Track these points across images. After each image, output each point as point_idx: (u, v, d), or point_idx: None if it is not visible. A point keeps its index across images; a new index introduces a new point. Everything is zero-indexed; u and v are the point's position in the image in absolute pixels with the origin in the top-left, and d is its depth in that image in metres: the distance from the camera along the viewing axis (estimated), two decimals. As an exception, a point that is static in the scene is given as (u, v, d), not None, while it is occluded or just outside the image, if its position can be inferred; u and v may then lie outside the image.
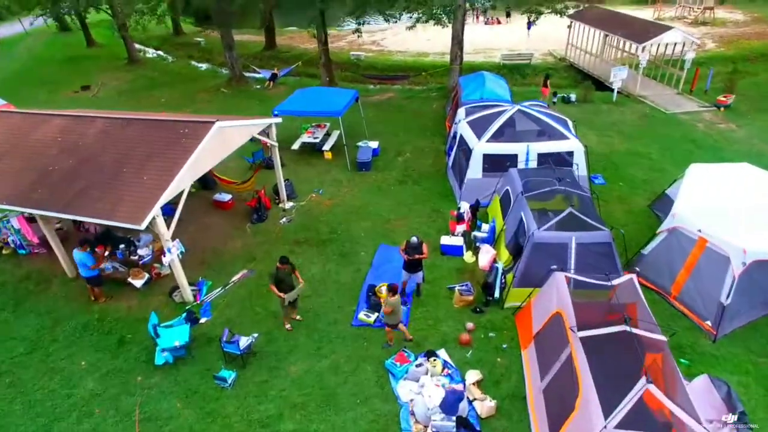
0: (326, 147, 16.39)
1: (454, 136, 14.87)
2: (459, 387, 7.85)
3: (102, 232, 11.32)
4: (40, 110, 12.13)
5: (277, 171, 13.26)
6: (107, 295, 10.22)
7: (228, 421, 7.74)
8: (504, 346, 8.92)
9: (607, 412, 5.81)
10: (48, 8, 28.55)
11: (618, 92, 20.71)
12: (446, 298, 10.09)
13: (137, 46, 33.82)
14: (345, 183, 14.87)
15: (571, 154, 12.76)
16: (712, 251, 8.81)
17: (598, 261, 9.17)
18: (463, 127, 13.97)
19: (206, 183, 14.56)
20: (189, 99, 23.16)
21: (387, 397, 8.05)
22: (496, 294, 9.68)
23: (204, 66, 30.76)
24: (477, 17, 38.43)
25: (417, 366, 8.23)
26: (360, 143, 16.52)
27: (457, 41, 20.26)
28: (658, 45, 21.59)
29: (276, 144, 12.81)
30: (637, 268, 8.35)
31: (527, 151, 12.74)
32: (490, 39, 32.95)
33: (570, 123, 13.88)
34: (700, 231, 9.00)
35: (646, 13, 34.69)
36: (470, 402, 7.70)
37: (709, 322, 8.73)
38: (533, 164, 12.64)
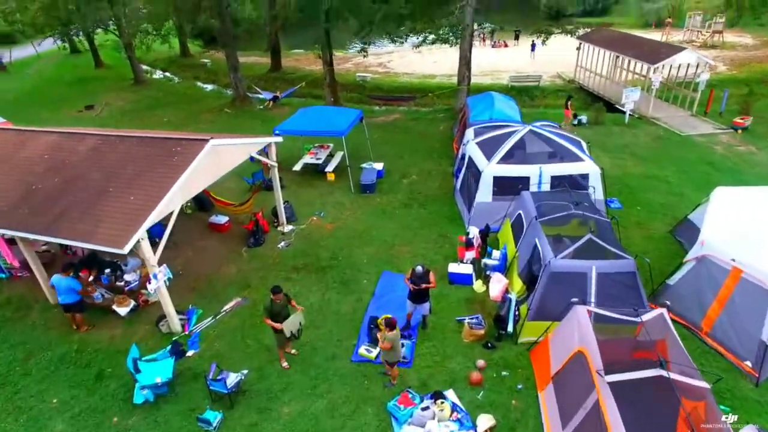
0: (329, 168, 15.82)
1: (462, 158, 14.27)
2: (470, 435, 7.00)
3: (88, 256, 10.68)
4: (31, 127, 11.67)
5: (276, 192, 12.65)
6: (89, 324, 9.51)
7: (210, 470, 6.91)
8: (519, 386, 8.07)
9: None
10: (58, 29, 28.83)
11: (630, 114, 20.14)
12: (454, 332, 9.27)
13: (144, 67, 34.10)
14: (348, 206, 14.23)
15: (586, 176, 12.08)
16: (749, 283, 8.00)
17: (621, 292, 8.39)
18: (471, 148, 13.37)
19: (203, 204, 14.01)
20: (192, 119, 22.85)
21: (389, 444, 7.21)
22: (509, 328, 8.86)
23: (209, 87, 30.74)
24: (483, 40, 38.44)
25: (423, 409, 7.39)
26: (364, 165, 15.96)
27: (465, 62, 19.88)
28: (671, 66, 21.13)
29: (275, 164, 12.23)
30: (667, 302, 7.57)
31: (540, 174, 12.06)
32: (497, 61, 32.83)
33: (584, 144, 13.25)
34: (734, 260, 8.21)
35: (653, 38, 34.45)
36: (483, 453, 6.84)
37: (749, 363, 7.85)
38: (546, 187, 11.96)
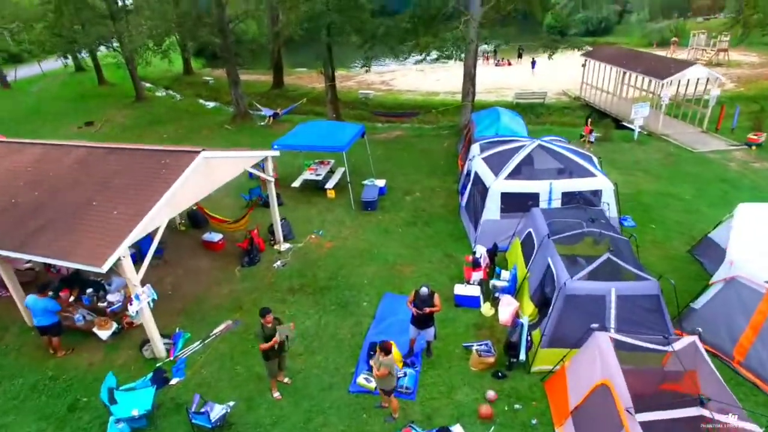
0: (329, 185, 15.26)
1: (468, 174, 13.70)
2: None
3: (70, 274, 10.06)
4: (17, 139, 11.19)
5: (272, 209, 12.07)
6: (67, 348, 8.83)
7: None
8: (533, 421, 7.31)
9: None
10: (62, 47, 28.85)
11: (639, 130, 19.61)
12: (462, 359, 8.54)
13: (147, 85, 34.06)
14: (348, 224, 13.62)
15: (598, 193, 11.46)
16: (786, 308, 7.29)
17: (643, 317, 7.69)
18: (477, 164, 12.80)
19: (197, 221, 13.45)
20: (191, 135, 22.49)
21: (389, 489, 6.44)
22: (522, 356, 8.12)
23: (211, 104, 30.54)
24: (487, 59, 38.39)
25: (427, 448, 6.64)
26: (365, 181, 15.40)
27: (470, 77, 19.50)
28: (679, 82, 20.69)
29: (272, 179, 11.68)
30: (699, 329, 6.85)
31: (550, 190, 11.44)
32: (501, 79, 32.66)
33: (595, 160, 12.67)
34: None
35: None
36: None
37: (790, 398, 7.09)
38: (556, 204, 11.34)
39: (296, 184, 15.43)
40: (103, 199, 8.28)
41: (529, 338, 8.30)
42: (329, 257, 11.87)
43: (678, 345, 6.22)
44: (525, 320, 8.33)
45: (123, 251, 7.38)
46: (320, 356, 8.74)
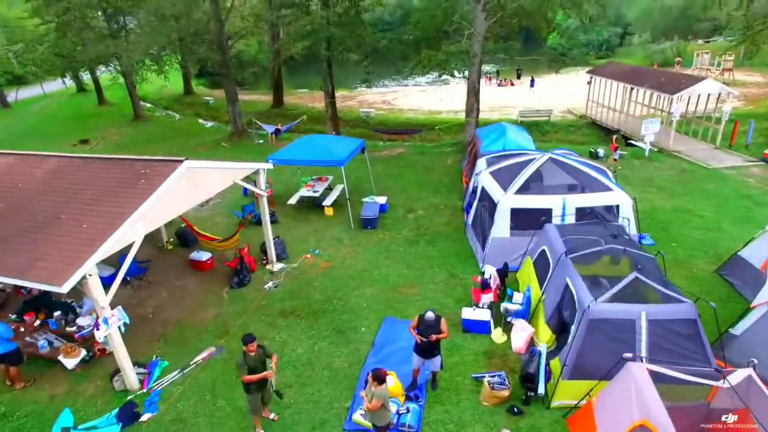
0: (327, 202, 14.47)
1: (474, 191, 12.92)
2: None
3: (38, 295, 9.18)
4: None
5: (264, 226, 11.25)
6: (27, 379, 7.89)
7: None
8: (557, 467, 6.30)
9: None
10: (62, 67, 28.69)
11: (650, 147, 18.89)
12: (472, 393, 7.56)
13: (147, 105, 33.83)
14: (346, 242, 12.77)
15: (615, 208, 10.63)
16: None
17: (678, 344, 6.76)
18: (485, 179, 12.02)
19: (186, 240, 12.64)
20: (186, 152, 21.74)
21: None
22: (540, 389, 7.15)
23: (210, 124, 30.11)
24: (489, 80, 38.19)
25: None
26: (366, 199, 14.62)
27: (474, 93, 18.91)
28: (689, 98, 20.09)
29: (264, 193, 10.89)
30: (754, 360, 5.91)
31: (563, 205, 10.63)
32: (504, 98, 32.39)
33: (610, 173, 11.89)
34: (821, 306, 6.59)
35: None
36: None
37: None
38: (570, 220, 10.51)
39: (292, 201, 14.65)
40: (73, 212, 7.49)
41: (547, 368, 7.35)
42: (325, 278, 10.99)
43: (733, 379, 5.27)
44: (543, 348, 7.39)
45: (89, 269, 6.53)
46: (312, 388, 7.77)
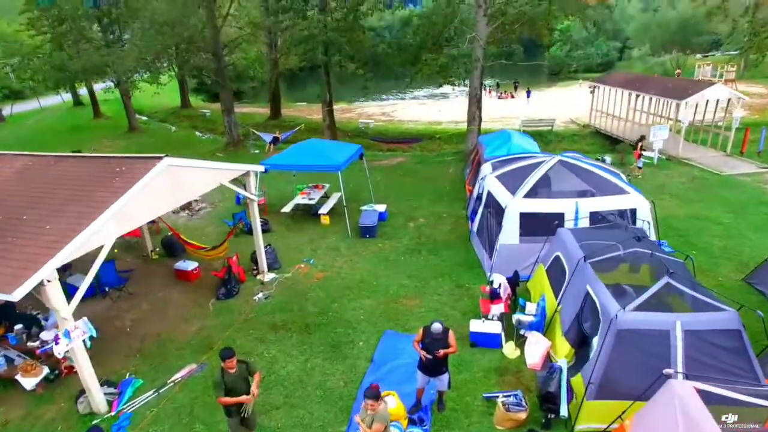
0: (323, 210, 13.71)
1: (479, 198, 12.18)
2: None
3: (1, 305, 8.32)
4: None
5: (255, 233, 10.47)
6: (-18, 402, 7.03)
7: None
8: (586, 503, 5.41)
9: None
10: (55, 77, 28.21)
11: (658, 155, 18.25)
12: (483, 415, 6.69)
13: (143, 118, 33.37)
14: (343, 251, 11.98)
15: (630, 213, 9.88)
16: None
17: (720, 359, 5.93)
18: (491, 183, 11.31)
19: (172, 249, 11.87)
20: (180, 163, 21.18)
21: None
22: (563, 410, 6.28)
23: (207, 135, 29.54)
24: (489, 92, 37.92)
25: None
26: (364, 207, 13.88)
27: (476, 100, 18.34)
28: (697, 105, 19.50)
29: (255, 198, 10.14)
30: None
31: (576, 210, 9.88)
32: (505, 109, 32.01)
33: (623, 176, 11.19)
34: None
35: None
36: None
37: None
38: (583, 224, 9.75)
39: (287, 209, 13.89)
40: (37, 213, 6.74)
41: (569, 387, 6.50)
42: (320, 289, 10.17)
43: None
44: (563, 363, 6.55)
45: (46, 274, 5.73)
46: (303, 410, 6.90)
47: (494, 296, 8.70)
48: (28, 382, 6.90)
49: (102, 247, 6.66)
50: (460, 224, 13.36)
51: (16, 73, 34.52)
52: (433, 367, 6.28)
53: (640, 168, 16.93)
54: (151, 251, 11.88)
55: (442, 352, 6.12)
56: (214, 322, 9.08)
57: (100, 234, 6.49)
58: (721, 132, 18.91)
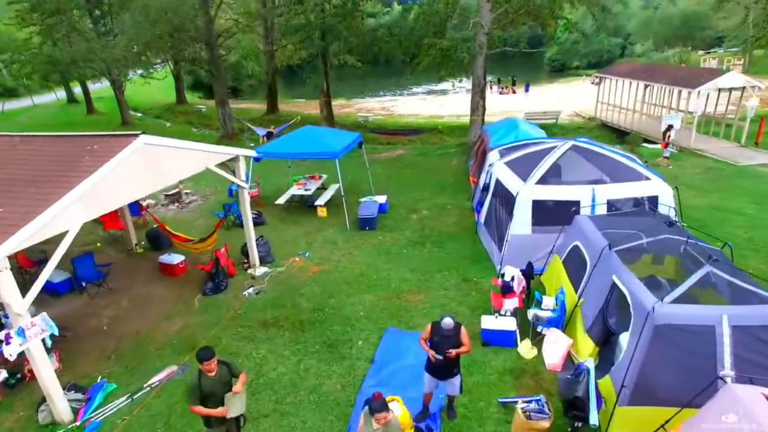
0: (320, 202, 12.92)
1: (485, 188, 11.41)
2: None
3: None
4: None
5: (246, 223, 9.68)
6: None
7: None
8: None
9: None
10: (44, 70, 27.49)
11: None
12: (499, 422, 5.90)
13: (138, 114, 32.67)
14: (341, 244, 11.19)
15: (652, 200, 9.11)
16: None
17: (773, 358, 5.14)
18: (499, 170, 10.54)
19: (158, 242, 11.09)
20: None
21: None
22: (593, 418, 5.48)
23: (202, 130, 28.81)
24: (491, 87, 37.35)
25: None
26: (363, 198, 13.09)
27: (479, 89, 17.59)
28: (708, 96, 18.75)
29: (245, 185, 9.34)
30: None
31: (593, 197, 9.10)
32: (507, 105, 31.34)
33: (639, 161, 10.43)
34: None
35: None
36: None
37: None
38: (600, 212, 8.98)
39: (281, 200, 13.11)
40: (-5, 194, 5.93)
41: (597, 389, 5.71)
42: (316, 283, 9.37)
43: None
44: (591, 363, 5.75)
45: (-3, 262, 4.94)
46: (295, 418, 6.10)
47: (507, 290, 7.91)
48: (-18, 388, 6.11)
49: (67, 232, 5.85)
50: (466, 216, 12.60)
51: (8, 70, 33.79)
52: (443, 368, 5.47)
53: (666, 158, 16.21)
54: (136, 245, 11.09)
55: (454, 352, 5.31)
56: (199, 320, 8.28)
57: (64, 217, 5.69)
58: (734, 122, 18.15)
